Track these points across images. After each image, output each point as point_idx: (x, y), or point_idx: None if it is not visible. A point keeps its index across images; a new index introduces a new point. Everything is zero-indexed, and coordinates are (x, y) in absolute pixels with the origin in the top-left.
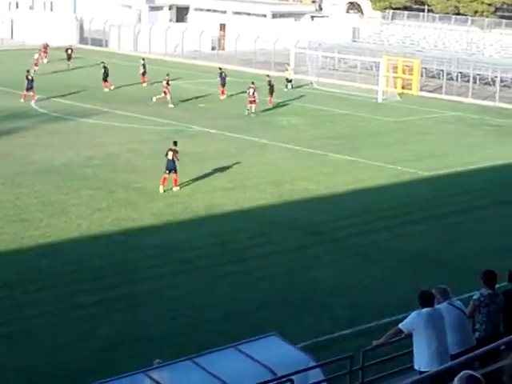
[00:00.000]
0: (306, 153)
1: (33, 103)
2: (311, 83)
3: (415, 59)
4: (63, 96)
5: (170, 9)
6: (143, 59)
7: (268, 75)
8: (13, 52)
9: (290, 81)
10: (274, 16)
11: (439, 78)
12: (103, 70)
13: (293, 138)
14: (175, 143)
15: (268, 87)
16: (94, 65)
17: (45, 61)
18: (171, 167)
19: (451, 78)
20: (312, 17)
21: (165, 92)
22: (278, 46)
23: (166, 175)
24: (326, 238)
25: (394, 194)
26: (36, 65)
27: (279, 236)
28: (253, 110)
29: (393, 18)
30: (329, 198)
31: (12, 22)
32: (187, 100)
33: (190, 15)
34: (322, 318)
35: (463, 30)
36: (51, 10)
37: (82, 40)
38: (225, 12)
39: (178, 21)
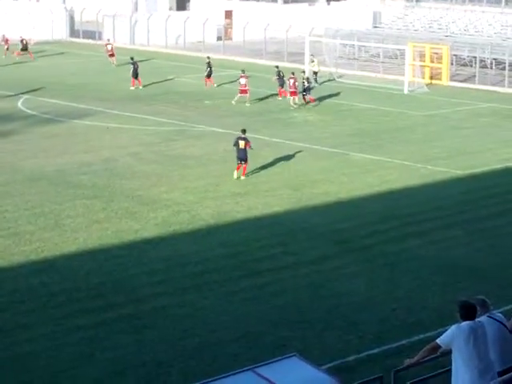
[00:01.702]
0: (325, 152)
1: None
2: (329, 74)
3: (444, 46)
4: (54, 95)
5: None
6: (208, 57)
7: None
8: None
9: (316, 73)
10: (286, 1)
11: (471, 65)
12: (132, 67)
13: (310, 136)
14: (244, 131)
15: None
16: (85, 60)
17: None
18: (243, 157)
19: (485, 66)
20: (328, 1)
21: (245, 91)
22: (291, 35)
23: (240, 165)
24: (351, 247)
25: (424, 197)
26: None
27: (298, 245)
28: (296, 101)
29: (418, 1)
30: (352, 202)
31: None
32: (191, 97)
33: (192, 2)
34: (348, 335)
35: (497, 12)
36: (37, 0)
37: (73, 33)
38: None
39: (178, 9)
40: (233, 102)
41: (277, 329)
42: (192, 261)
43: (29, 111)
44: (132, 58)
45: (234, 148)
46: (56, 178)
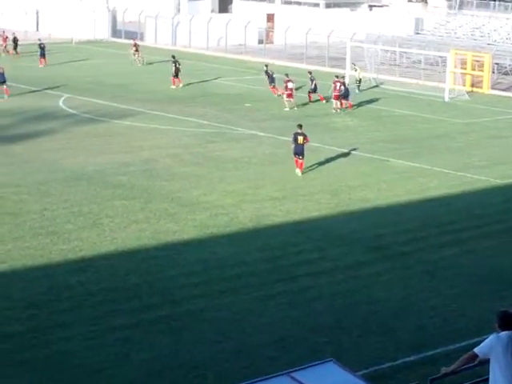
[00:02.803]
0: (364, 158)
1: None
2: (369, 80)
3: (486, 53)
4: (95, 95)
5: None
6: (266, 65)
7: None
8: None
9: (359, 81)
10: (328, 6)
11: None
12: (174, 66)
13: (349, 141)
14: (300, 126)
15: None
16: (126, 60)
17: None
18: (300, 152)
19: None
20: (370, 6)
21: (289, 95)
22: (333, 39)
23: (297, 159)
24: (388, 254)
25: (464, 205)
26: None
27: (335, 251)
28: (339, 106)
29: (460, 8)
30: (390, 209)
31: (37, 12)
32: (231, 99)
33: (234, 5)
34: (385, 342)
35: None
36: None
37: (115, 33)
38: (273, 1)
39: (220, 11)
40: (285, 109)
41: (313, 334)
42: (229, 264)
43: (70, 110)
44: (173, 57)
45: (292, 144)
46: (95, 177)
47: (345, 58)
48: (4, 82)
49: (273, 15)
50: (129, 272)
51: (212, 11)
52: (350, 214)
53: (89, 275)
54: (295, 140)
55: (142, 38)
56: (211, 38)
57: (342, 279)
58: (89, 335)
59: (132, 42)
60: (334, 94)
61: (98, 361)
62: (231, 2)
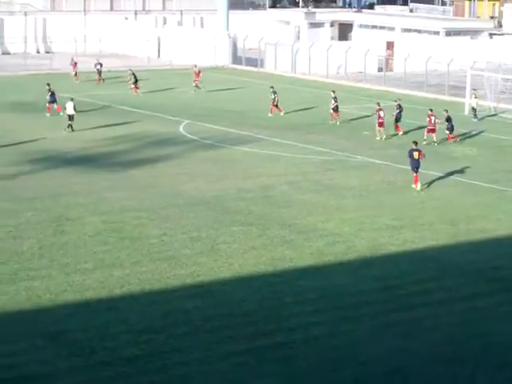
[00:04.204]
0: (483, 188)
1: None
2: (490, 109)
3: None
4: (215, 121)
5: (331, 25)
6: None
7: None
8: (160, 72)
9: (475, 109)
10: (448, 34)
11: None
12: (274, 96)
13: (468, 170)
14: (416, 143)
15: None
16: (246, 87)
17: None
18: (417, 166)
19: None
20: (490, 34)
21: (380, 123)
22: (453, 67)
23: (415, 174)
24: (508, 285)
25: None
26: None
27: (453, 281)
28: (434, 139)
29: None
30: (510, 240)
31: (159, 39)
32: (350, 127)
33: (354, 32)
34: (500, 377)
35: None
36: (201, 26)
37: (235, 59)
38: (393, 29)
39: (340, 39)
40: (377, 138)
41: (429, 365)
42: (345, 292)
43: (190, 136)
44: (272, 87)
45: (409, 159)
46: (214, 203)
47: (464, 87)
48: (55, 101)
49: (392, 43)
50: (245, 298)
51: (332, 39)
52: (468, 244)
53: (205, 300)
54: (411, 155)
55: (262, 65)
56: (331, 65)
57: (459, 310)
58: (204, 360)
59: (195, 69)
60: (429, 127)
61: None
62: (351, 30)
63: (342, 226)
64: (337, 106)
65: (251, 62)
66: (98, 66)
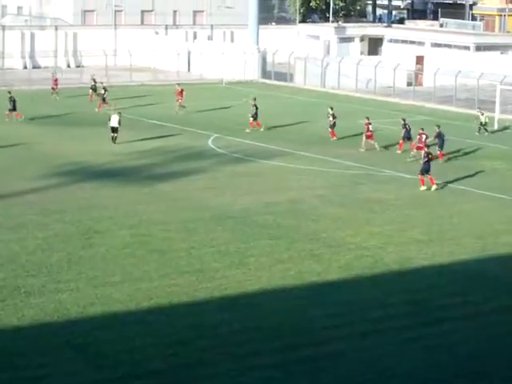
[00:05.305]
0: (510, 202)
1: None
2: None
3: None
4: (243, 135)
5: (361, 40)
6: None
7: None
8: (190, 86)
9: (485, 124)
10: (478, 48)
11: None
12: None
13: (497, 184)
14: (428, 146)
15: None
16: (274, 101)
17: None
18: (427, 169)
19: None
20: None
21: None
22: (482, 82)
23: (422, 177)
24: None
25: None
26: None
27: (480, 296)
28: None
29: None
30: None
31: (189, 53)
32: (379, 142)
33: (384, 47)
34: None
35: None
36: (231, 41)
37: (265, 74)
38: (422, 44)
39: (370, 53)
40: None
41: (456, 379)
42: (373, 305)
43: (219, 150)
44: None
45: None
46: (242, 216)
47: (494, 102)
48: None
49: (422, 57)
50: (272, 311)
51: (361, 53)
52: (495, 258)
53: (233, 314)
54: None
55: (291, 80)
56: (360, 79)
57: (487, 324)
58: (231, 373)
59: (177, 88)
60: (418, 144)
61: None
62: (381, 44)
63: (370, 239)
64: (334, 123)
65: (280, 76)
66: (93, 83)
